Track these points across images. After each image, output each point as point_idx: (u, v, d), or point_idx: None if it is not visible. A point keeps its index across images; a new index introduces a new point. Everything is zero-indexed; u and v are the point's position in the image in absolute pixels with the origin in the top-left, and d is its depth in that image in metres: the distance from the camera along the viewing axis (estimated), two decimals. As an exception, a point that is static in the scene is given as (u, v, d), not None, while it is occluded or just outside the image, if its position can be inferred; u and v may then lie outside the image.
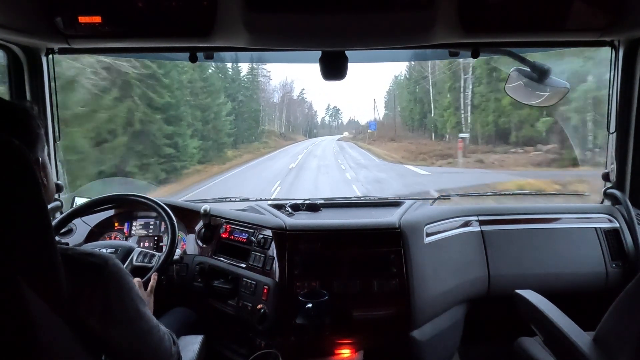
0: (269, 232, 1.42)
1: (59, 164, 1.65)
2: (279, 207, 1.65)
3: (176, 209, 1.54)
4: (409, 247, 1.36)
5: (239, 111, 23.79)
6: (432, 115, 24.71)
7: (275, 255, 1.36)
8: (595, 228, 1.58)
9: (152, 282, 1.18)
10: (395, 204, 1.72)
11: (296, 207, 1.67)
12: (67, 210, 1.49)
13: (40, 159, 0.73)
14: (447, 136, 21.62)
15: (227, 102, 20.29)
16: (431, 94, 25.14)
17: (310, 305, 1.21)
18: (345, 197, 1.86)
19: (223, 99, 19.22)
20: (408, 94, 31.31)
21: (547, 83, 1.36)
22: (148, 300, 1.13)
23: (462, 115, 19.59)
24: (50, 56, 1.50)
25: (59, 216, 1.46)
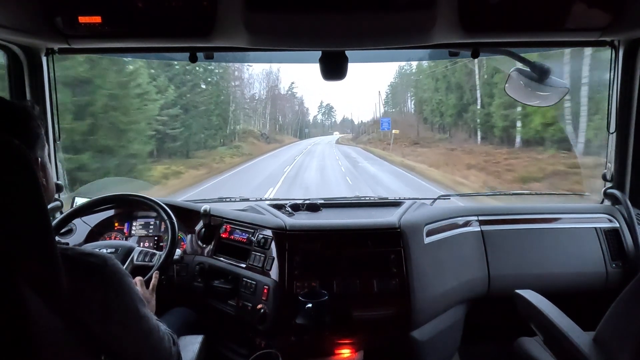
0: (269, 232, 1.42)
1: (59, 164, 1.65)
2: (279, 207, 1.65)
3: (176, 209, 1.54)
4: (409, 247, 1.36)
5: (190, 103, 15.33)
6: (481, 107, 15.64)
7: (275, 255, 1.36)
8: (595, 228, 1.58)
9: (154, 281, 1.18)
10: (395, 204, 1.72)
11: (296, 207, 1.67)
12: (67, 210, 1.49)
13: (40, 158, 0.72)
14: (516, 139, 12.32)
15: (168, 86, 13.07)
16: (477, 77, 16.02)
17: (310, 305, 1.21)
18: (345, 197, 1.86)
19: (160, 81, 12.20)
20: (432, 81, 22.29)
21: (547, 83, 1.36)
22: (150, 299, 1.13)
23: (567, 105, 8.70)
24: (50, 56, 1.50)
25: (59, 216, 1.46)
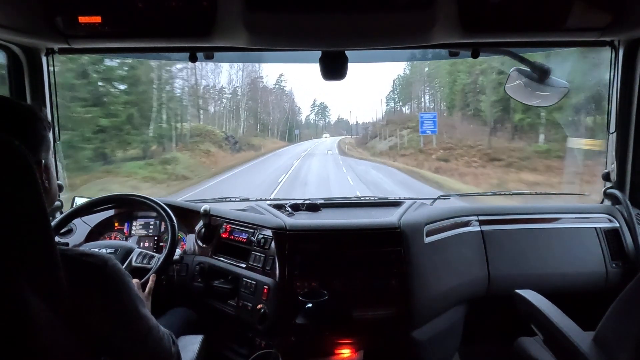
0: (269, 232, 1.42)
1: (59, 164, 1.65)
2: (279, 207, 1.65)
3: (176, 209, 1.54)
4: (409, 247, 1.36)
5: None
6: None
7: (275, 255, 1.36)
8: (595, 228, 1.58)
9: (150, 284, 1.17)
10: (395, 203, 1.72)
11: (296, 207, 1.67)
12: (67, 210, 1.49)
13: (43, 161, 0.72)
14: None
15: None
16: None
17: (310, 305, 1.21)
18: (345, 197, 1.86)
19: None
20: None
21: (547, 83, 1.37)
22: (146, 302, 1.13)
23: None
24: (50, 56, 1.50)
25: (59, 216, 1.46)
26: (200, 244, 1.57)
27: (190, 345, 1.10)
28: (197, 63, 1.50)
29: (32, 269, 0.57)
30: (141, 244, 1.61)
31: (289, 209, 1.63)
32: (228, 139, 19.51)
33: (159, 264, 1.30)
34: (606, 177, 1.65)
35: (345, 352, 1.34)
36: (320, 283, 1.32)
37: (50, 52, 1.48)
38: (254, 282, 1.37)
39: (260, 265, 1.39)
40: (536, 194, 2.26)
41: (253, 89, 29.73)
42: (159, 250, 1.58)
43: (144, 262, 1.33)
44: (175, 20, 1.17)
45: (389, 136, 22.31)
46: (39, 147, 0.71)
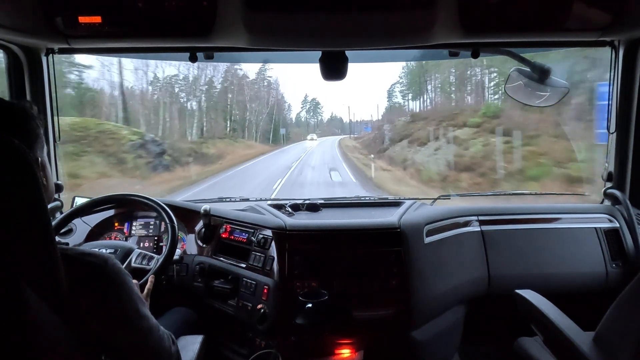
0: (269, 232, 1.42)
1: (58, 163, 1.65)
2: (279, 207, 1.65)
3: (176, 209, 1.54)
4: (409, 247, 1.36)
5: None
6: None
7: (275, 255, 1.36)
8: (595, 228, 1.58)
9: (149, 285, 1.17)
10: (395, 203, 1.72)
11: (296, 207, 1.67)
12: (67, 210, 1.48)
13: (39, 158, 0.72)
14: None
15: None
16: None
17: (310, 305, 1.21)
18: (345, 197, 1.86)
19: None
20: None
21: (547, 83, 1.37)
22: (144, 303, 1.13)
23: None
24: (50, 56, 1.50)
25: (59, 216, 1.46)
26: (200, 244, 1.57)
27: (190, 345, 1.10)
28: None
29: (32, 268, 0.57)
30: (141, 244, 1.61)
31: (289, 209, 1.63)
32: (146, 145, 11.24)
33: (158, 265, 1.29)
34: (606, 177, 1.65)
35: (345, 352, 1.34)
36: (320, 283, 1.32)
37: (50, 52, 1.48)
38: (254, 282, 1.37)
39: (260, 265, 1.39)
40: (536, 194, 2.26)
41: (224, 77, 22.99)
42: (159, 250, 1.58)
43: (144, 263, 1.33)
44: (175, 20, 1.17)
45: (432, 139, 12.39)
46: (35, 145, 0.71)
